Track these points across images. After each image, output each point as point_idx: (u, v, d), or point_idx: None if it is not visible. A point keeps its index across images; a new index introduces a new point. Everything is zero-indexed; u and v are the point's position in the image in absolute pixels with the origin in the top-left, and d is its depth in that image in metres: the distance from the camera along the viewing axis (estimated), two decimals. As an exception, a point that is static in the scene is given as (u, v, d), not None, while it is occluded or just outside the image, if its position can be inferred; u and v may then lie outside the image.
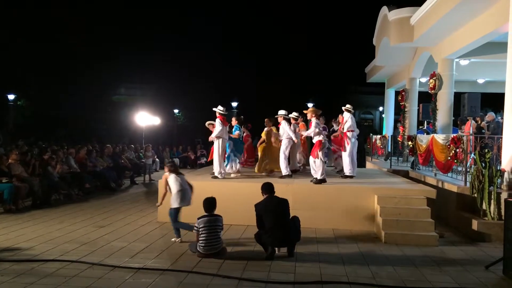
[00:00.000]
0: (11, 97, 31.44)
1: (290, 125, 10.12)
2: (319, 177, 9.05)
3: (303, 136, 10.66)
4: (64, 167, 12.37)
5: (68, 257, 6.28)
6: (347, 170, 9.94)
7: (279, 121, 10.31)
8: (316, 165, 9.15)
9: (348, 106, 10.10)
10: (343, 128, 10.05)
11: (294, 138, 9.91)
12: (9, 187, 9.75)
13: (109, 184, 13.60)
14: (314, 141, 9.37)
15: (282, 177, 9.72)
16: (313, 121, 9.40)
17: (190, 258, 6.36)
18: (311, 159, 9.31)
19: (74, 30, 34.91)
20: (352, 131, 9.88)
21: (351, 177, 9.84)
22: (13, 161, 10.61)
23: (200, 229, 6.44)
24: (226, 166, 10.00)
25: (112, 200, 11.86)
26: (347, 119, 9.93)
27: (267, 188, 6.83)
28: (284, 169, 9.82)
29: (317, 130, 9.27)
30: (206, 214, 6.65)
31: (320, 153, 9.15)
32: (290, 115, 10.61)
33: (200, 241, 6.42)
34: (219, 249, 6.50)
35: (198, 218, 6.57)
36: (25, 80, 33.04)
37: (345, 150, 9.93)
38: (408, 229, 7.59)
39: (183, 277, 5.57)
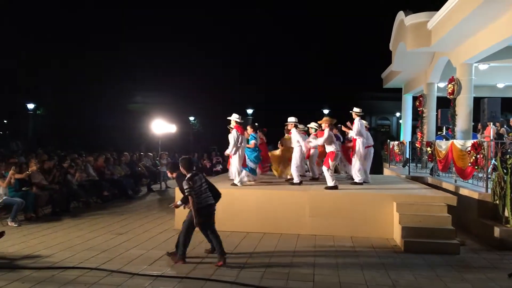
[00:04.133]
0: (30, 106, 32.00)
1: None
2: (330, 184, 9.11)
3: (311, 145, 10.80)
4: (83, 175, 12.52)
5: (87, 264, 6.33)
6: (355, 177, 9.92)
7: (289, 128, 10.32)
8: (326, 175, 9.24)
9: (355, 109, 10.04)
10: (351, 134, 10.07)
11: (303, 146, 10.03)
12: (30, 195, 9.88)
13: (126, 191, 13.70)
14: (327, 151, 9.36)
15: (292, 183, 9.77)
16: (326, 131, 9.39)
17: (208, 266, 6.35)
18: (324, 168, 9.34)
19: (92, 41, 35.55)
20: (361, 136, 9.82)
21: (360, 184, 9.77)
22: (33, 169, 10.75)
23: (197, 187, 6.33)
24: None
25: (129, 207, 11.94)
26: (355, 124, 9.91)
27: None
28: (296, 176, 9.86)
29: (328, 140, 9.27)
30: (193, 172, 6.51)
31: (331, 163, 9.20)
32: (309, 125, 10.75)
33: (203, 197, 6.35)
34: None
35: (189, 179, 6.32)
36: (44, 90, 33.67)
37: (353, 156, 9.92)
38: (429, 237, 7.46)
39: (201, 285, 5.56)
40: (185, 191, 6.29)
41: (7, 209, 9.53)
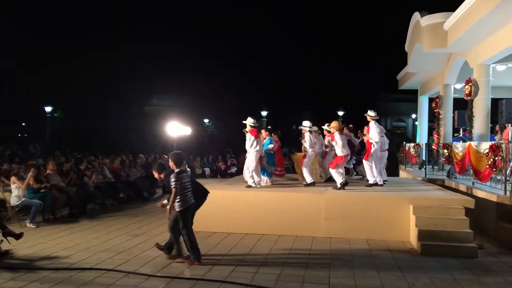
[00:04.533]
0: (48, 109, 32.43)
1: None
2: (339, 183, 9.13)
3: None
4: (99, 177, 12.66)
5: (104, 265, 6.40)
6: (370, 178, 9.85)
7: (303, 132, 10.31)
8: (334, 175, 9.26)
9: (370, 113, 9.97)
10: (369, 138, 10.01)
11: (310, 152, 10.08)
12: (48, 197, 10.03)
13: (142, 193, 13.81)
14: (338, 154, 9.37)
15: (307, 185, 9.79)
16: (336, 136, 9.39)
17: (223, 268, 6.36)
18: (331, 170, 9.40)
19: (107, 45, 35.98)
20: (376, 141, 9.74)
21: (375, 185, 9.71)
22: (51, 171, 10.93)
23: (184, 183, 6.39)
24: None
25: (145, 209, 12.02)
26: (371, 128, 9.86)
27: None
28: (308, 177, 9.90)
29: (341, 144, 9.29)
30: (182, 169, 6.49)
31: (339, 165, 9.20)
32: (323, 127, 10.74)
33: (183, 196, 6.37)
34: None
35: (177, 173, 6.38)
36: (61, 93, 34.15)
37: (366, 159, 9.85)
38: (446, 240, 7.37)
39: (216, 287, 5.58)
40: (171, 183, 6.31)
41: (26, 211, 9.69)
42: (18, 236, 7.35)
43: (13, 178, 9.53)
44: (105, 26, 38.42)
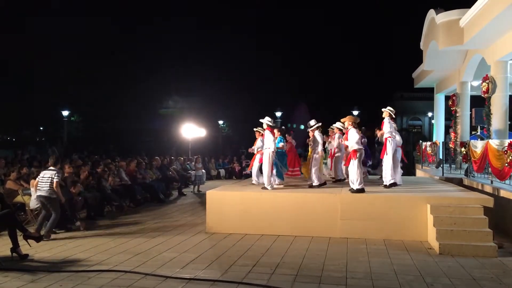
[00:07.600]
0: (65, 113, 32.86)
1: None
2: (356, 187, 8.78)
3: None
4: (116, 180, 12.79)
5: (122, 267, 6.46)
6: (387, 179, 9.63)
7: (311, 131, 10.23)
8: (351, 175, 8.94)
9: (390, 108, 9.84)
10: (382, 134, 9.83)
11: (319, 150, 9.95)
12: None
13: (158, 195, 13.90)
14: (350, 150, 9.15)
15: (311, 186, 9.70)
16: (351, 130, 9.16)
17: (240, 269, 6.38)
18: (349, 168, 9.15)
19: (124, 47, 36.35)
20: (390, 137, 9.59)
21: (394, 185, 9.56)
22: (68, 174, 11.05)
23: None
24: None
25: (161, 211, 12.11)
26: (385, 124, 9.70)
27: None
28: (315, 179, 9.77)
29: (357, 140, 9.00)
30: (50, 168, 8.51)
31: (355, 162, 8.88)
32: (334, 125, 10.66)
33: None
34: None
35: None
36: (79, 97, 34.56)
37: (383, 156, 9.71)
38: (464, 240, 7.27)
39: (233, 288, 5.60)
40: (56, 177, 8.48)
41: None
42: (38, 239, 7.46)
43: (32, 181, 9.67)
44: (122, 28, 38.91)
